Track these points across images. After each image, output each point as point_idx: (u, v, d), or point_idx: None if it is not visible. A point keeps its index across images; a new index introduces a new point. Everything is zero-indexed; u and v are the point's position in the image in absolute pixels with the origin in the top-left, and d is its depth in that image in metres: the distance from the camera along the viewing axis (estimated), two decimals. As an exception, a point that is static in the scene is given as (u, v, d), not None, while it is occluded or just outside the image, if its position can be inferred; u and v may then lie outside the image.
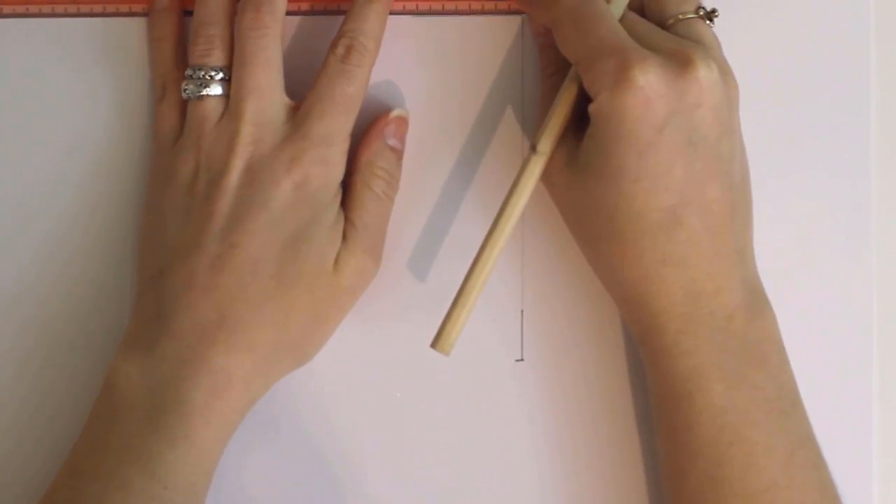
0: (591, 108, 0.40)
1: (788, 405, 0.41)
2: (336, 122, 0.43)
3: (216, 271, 0.41)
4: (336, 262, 0.43)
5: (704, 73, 0.40)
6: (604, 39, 0.40)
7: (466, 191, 0.46)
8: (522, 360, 0.46)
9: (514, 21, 0.46)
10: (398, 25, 0.46)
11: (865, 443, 0.45)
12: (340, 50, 0.43)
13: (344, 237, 0.43)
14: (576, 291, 0.46)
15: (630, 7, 0.43)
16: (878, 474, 0.45)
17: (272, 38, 0.43)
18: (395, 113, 0.45)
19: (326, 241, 0.42)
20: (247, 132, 0.42)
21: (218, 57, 0.43)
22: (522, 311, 0.46)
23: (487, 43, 0.46)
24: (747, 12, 0.46)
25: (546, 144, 0.42)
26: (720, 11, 0.43)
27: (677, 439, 0.41)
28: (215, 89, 0.43)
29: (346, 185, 0.44)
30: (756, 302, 0.42)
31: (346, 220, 0.43)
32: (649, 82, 0.39)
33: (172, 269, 0.42)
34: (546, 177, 0.43)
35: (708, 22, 0.43)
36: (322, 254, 0.42)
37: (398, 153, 0.45)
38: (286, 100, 0.43)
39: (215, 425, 0.41)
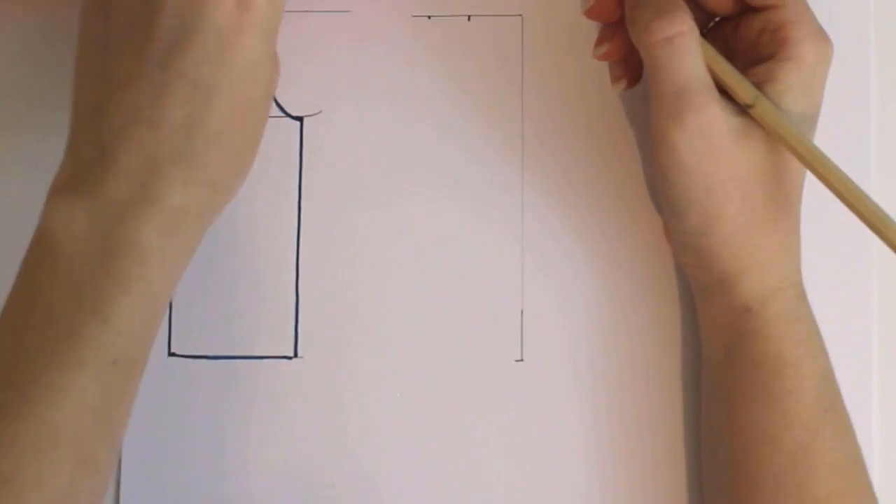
0: (792, 52, 0.40)
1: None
2: None
3: (162, 103, 0.38)
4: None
5: None
6: None
7: (466, 191, 0.46)
8: (522, 360, 0.46)
9: (515, 21, 0.47)
10: (398, 25, 0.46)
11: (865, 442, 0.45)
12: None
13: None
14: (576, 291, 0.46)
15: None
16: (878, 474, 0.45)
17: None
18: None
19: (273, 69, 0.40)
20: None
21: None
22: (522, 311, 0.46)
23: (487, 43, 0.47)
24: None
25: (752, 92, 0.40)
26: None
27: (774, 408, 0.41)
28: None
29: None
30: None
31: None
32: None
33: (112, 103, 0.38)
34: (705, 153, 0.40)
35: None
36: (269, 83, 0.40)
37: None
38: None
39: (169, 266, 0.39)
